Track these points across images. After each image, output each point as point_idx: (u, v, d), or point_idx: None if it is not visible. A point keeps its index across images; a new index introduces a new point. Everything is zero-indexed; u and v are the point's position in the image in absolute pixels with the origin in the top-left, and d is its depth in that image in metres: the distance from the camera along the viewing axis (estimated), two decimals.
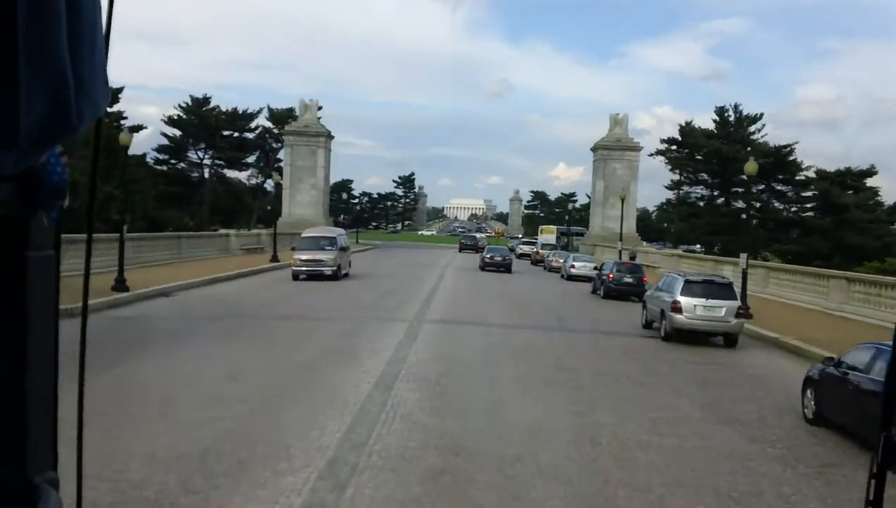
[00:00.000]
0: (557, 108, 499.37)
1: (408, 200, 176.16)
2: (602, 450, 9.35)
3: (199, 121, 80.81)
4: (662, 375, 14.94)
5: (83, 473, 1.14)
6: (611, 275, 31.97)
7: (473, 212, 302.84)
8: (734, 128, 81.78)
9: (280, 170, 72.92)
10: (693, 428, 10.75)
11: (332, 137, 76.02)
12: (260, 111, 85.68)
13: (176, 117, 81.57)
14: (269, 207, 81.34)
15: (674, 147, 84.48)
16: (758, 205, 79.31)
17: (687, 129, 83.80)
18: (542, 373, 14.29)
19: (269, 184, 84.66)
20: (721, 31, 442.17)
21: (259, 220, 79.87)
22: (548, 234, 74.20)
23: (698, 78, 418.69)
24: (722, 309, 19.29)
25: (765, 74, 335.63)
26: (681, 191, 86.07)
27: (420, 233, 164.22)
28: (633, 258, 43.90)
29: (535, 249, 64.20)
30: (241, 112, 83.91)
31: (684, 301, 19.33)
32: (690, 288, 19.72)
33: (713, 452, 9.62)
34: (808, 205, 78.84)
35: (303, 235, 36.49)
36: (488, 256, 47.45)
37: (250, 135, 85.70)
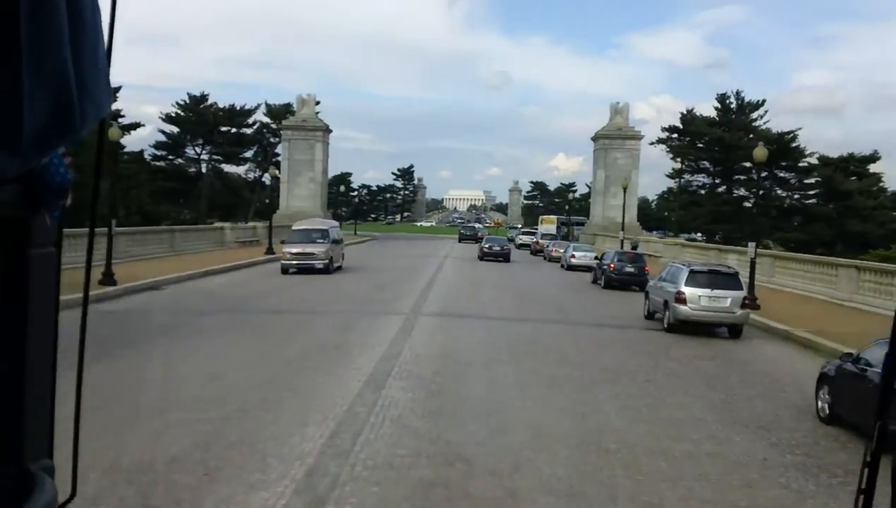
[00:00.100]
0: (556, 100, 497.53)
1: (407, 192, 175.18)
2: (609, 458, 8.56)
3: (197, 118, 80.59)
4: (670, 371, 14.15)
5: (79, 460, 1.14)
6: (612, 265, 31.36)
7: (473, 203, 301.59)
8: (736, 116, 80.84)
9: (277, 165, 72.77)
10: (706, 431, 9.97)
11: (330, 131, 75.77)
12: (258, 107, 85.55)
13: (174, 115, 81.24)
14: (267, 201, 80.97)
15: (675, 135, 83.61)
16: (760, 192, 78.55)
17: (688, 117, 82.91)
18: (544, 370, 13.50)
19: (268, 178, 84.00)
20: (718, 19, 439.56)
21: (257, 214, 79.34)
22: (548, 224, 73.49)
23: (697, 67, 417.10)
24: (727, 299, 18.72)
25: (763, 62, 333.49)
26: (682, 180, 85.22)
27: (419, 224, 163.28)
28: (634, 247, 43.16)
29: (534, 239, 63.39)
30: (238, 108, 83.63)
31: (689, 291, 18.79)
32: (695, 278, 19.16)
33: (729, 459, 8.84)
34: (811, 193, 77.97)
35: (293, 227, 35.30)
36: (487, 246, 47.57)
37: (248, 131, 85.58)
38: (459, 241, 72.40)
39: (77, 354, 1.17)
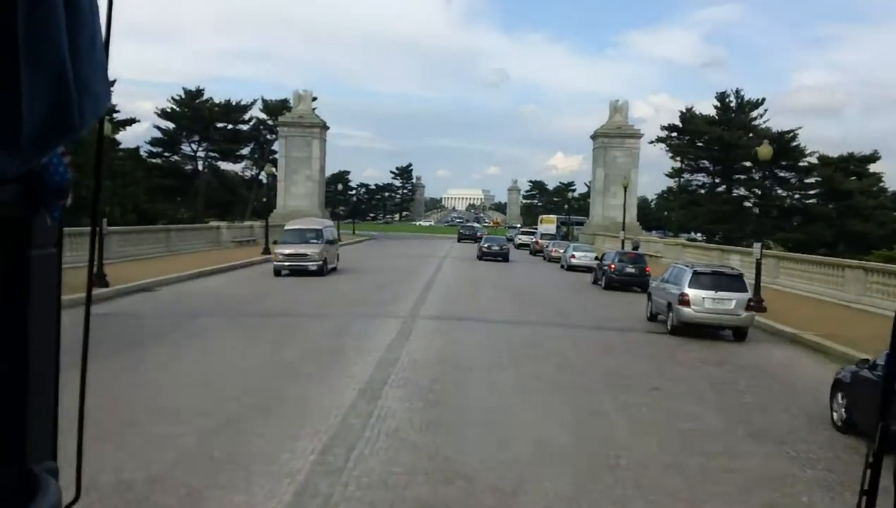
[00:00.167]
0: (554, 98, 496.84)
1: (405, 191, 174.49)
2: (620, 475, 8.01)
3: (193, 114, 79.76)
4: (678, 378, 13.61)
5: (83, 461, 1.15)
6: (612, 266, 30.97)
7: (471, 203, 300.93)
8: (735, 114, 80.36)
9: (274, 162, 72.25)
10: (721, 444, 9.43)
11: (328, 128, 74.93)
12: (254, 103, 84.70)
13: (169, 110, 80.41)
14: (264, 199, 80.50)
15: (674, 134, 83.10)
16: (760, 192, 78.06)
17: (687, 116, 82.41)
18: (547, 376, 12.96)
19: (265, 176, 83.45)
20: (715, 18, 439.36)
21: (254, 212, 78.75)
22: (548, 224, 72.94)
23: (695, 66, 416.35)
24: (732, 301, 18.36)
25: (761, 61, 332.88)
26: (681, 179, 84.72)
27: (417, 223, 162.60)
28: (635, 248, 42.65)
29: (534, 239, 62.92)
30: (234, 104, 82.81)
31: (692, 293, 18.43)
32: (699, 279, 18.82)
33: (748, 475, 8.29)
34: (811, 192, 77.51)
35: (286, 227, 34.17)
36: (486, 246, 47.65)
37: (244, 127, 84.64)
38: (458, 241, 72.25)
39: (80, 355, 1.13)
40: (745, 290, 18.96)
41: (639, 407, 11.02)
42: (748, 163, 77.59)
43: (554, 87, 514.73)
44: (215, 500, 6.84)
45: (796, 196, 78.24)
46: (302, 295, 23.76)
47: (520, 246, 66.01)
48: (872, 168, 76.34)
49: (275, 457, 7.99)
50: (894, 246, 55.52)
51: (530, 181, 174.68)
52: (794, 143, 74.67)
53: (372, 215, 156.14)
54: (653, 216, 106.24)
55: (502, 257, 46.23)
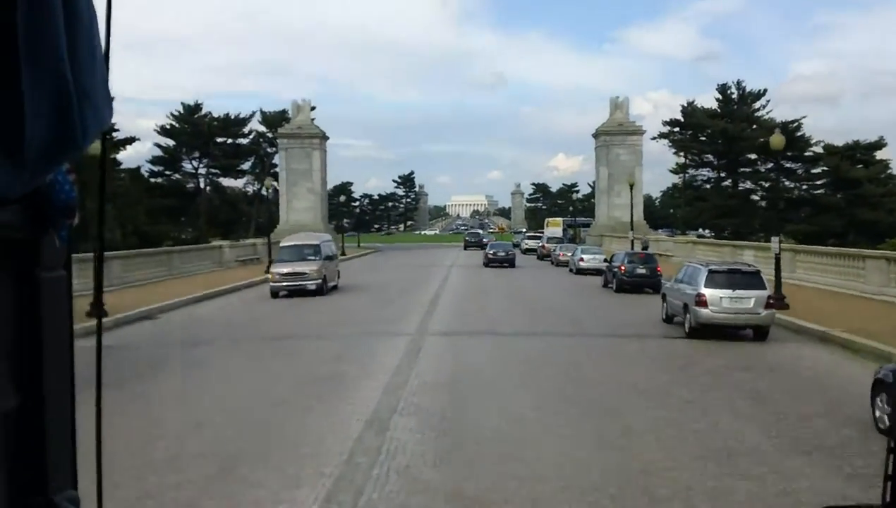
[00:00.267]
0: (552, 98, 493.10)
1: (409, 200, 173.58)
2: None
3: (192, 129, 79.48)
4: (706, 387, 12.71)
5: (103, 489, 1.14)
6: (622, 267, 30.24)
7: (475, 209, 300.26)
8: (738, 106, 79.46)
9: (276, 176, 71.76)
10: (768, 464, 8.53)
11: (327, 138, 74.23)
12: (252, 115, 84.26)
13: (168, 126, 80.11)
14: (269, 215, 79.91)
15: (676, 129, 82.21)
16: (766, 184, 77.10)
17: (689, 110, 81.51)
18: (566, 394, 12.08)
19: (266, 190, 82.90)
20: (712, 10, 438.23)
21: (258, 228, 78.07)
22: (554, 227, 71.97)
23: (692, 59, 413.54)
24: (751, 299, 17.69)
25: (758, 52, 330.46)
26: (686, 175, 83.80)
27: (422, 232, 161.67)
28: (645, 247, 41.74)
29: (540, 243, 62.04)
30: (233, 117, 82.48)
31: (709, 293, 17.78)
32: (714, 278, 18.19)
33: (804, 499, 7.39)
34: (818, 183, 76.46)
35: (281, 244, 32.73)
36: (491, 253, 47.51)
37: (244, 141, 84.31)
38: (465, 248, 72.09)
39: (87, 383, 1.07)
40: (764, 287, 18.26)
41: (671, 424, 10.13)
42: (753, 156, 76.77)
43: (551, 87, 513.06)
44: None
45: (804, 187, 77.20)
46: (304, 317, 22.93)
47: (527, 250, 65.10)
48: (878, 155, 75.30)
49: None
50: None
51: (533, 184, 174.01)
52: (799, 133, 73.63)
53: (377, 226, 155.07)
54: (658, 214, 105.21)
55: (508, 263, 45.94)
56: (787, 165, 75.59)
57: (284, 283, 28.18)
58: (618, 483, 7.91)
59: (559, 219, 79.87)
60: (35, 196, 0.88)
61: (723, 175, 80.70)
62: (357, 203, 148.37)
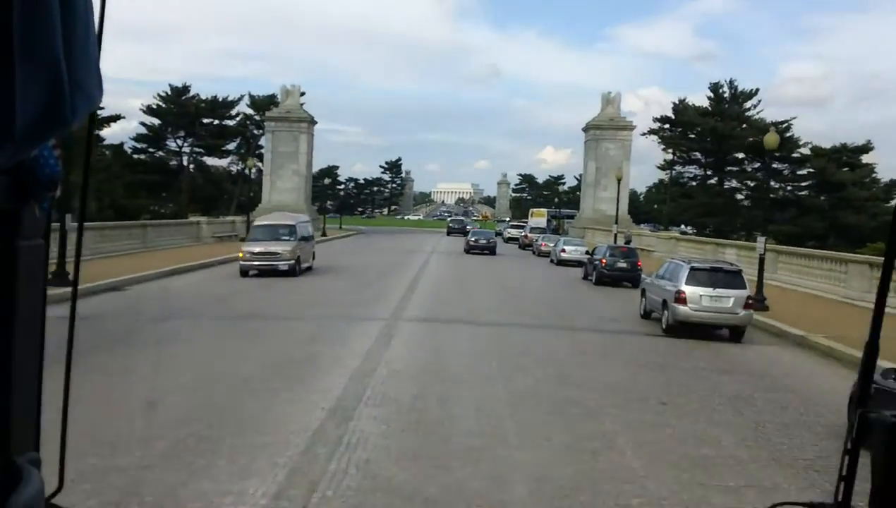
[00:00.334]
0: (544, 92, 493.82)
1: (395, 185, 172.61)
2: None
3: (179, 110, 78.24)
4: (685, 390, 12.30)
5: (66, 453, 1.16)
6: (604, 261, 30.28)
7: (461, 196, 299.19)
8: (729, 105, 79.25)
9: (260, 157, 70.94)
10: (745, 475, 8.12)
11: (315, 123, 74.14)
12: (241, 98, 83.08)
13: (155, 106, 78.71)
14: (251, 194, 79.17)
15: (666, 126, 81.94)
16: (752, 184, 77.12)
17: (680, 107, 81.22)
18: (542, 391, 11.62)
19: (252, 171, 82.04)
20: (706, 11, 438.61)
21: (239, 207, 77.30)
22: (538, 218, 71.72)
23: (685, 59, 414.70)
24: (730, 299, 17.53)
25: (751, 53, 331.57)
26: (673, 172, 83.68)
27: (405, 217, 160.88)
28: (628, 242, 41.48)
29: (523, 233, 62.05)
30: (221, 100, 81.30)
31: (689, 290, 17.63)
32: (696, 276, 18.01)
33: None
34: (804, 184, 76.58)
35: (255, 223, 31.82)
36: (473, 240, 47.94)
37: (231, 123, 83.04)
38: (448, 234, 72.61)
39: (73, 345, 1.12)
40: (745, 287, 18.04)
41: (647, 429, 9.70)
42: (741, 155, 76.77)
43: (544, 82, 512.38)
44: None
45: (788, 187, 77.30)
46: (277, 296, 22.34)
47: (509, 239, 65.00)
48: (865, 158, 75.43)
49: (215, 503, 6.63)
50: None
51: (520, 175, 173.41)
52: (788, 134, 73.58)
53: (360, 209, 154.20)
54: (642, 209, 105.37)
55: (489, 250, 46.34)
56: (774, 165, 75.63)
57: (256, 263, 27.27)
58: (590, 490, 7.46)
59: (543, 210, 79.64)
60: (19, 169, 0.89)
61: (709, 173, 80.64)
62: (342, 186, 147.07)
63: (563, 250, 40.48)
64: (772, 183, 76.24)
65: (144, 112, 78.52)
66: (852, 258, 27.07)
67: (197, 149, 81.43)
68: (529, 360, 14.10)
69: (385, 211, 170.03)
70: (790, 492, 7.69)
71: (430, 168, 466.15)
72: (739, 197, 79.03)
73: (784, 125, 73.53)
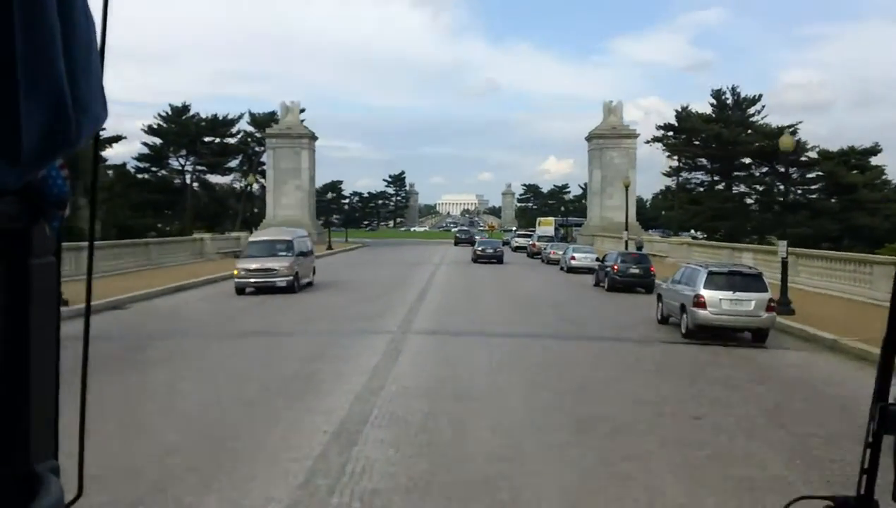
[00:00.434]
0: (543, 104, 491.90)
1: (399, 198, 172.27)
2: None
3: (180, 129, 78.12)
4: (718, 402, 11.39)
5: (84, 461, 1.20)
6: (615, 267, 29.85)
7: (466, 208, 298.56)
8: (732, 111, 78.58)
9: (263, 173, 70.83)
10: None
11: (316, 138, 74.46)
12: (241, 116, 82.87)
13: (156, 126, 78.53)
14: (255, 210, 78.87)
15: (670, 133, 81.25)
16: (761, 188, 76.28)
17: (683, 114, 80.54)
18: (563, 407, 10.74)
19: (256, 188, 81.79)
20: (701, 22, 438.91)
21: (244, 223, 77.15)
22: (546, 226, 71.35)
23: (682, 68, 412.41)
24: (751, 302, 17.17)
25: (748, 62, 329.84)
26: (679, 178, 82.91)
27: (412, 229, 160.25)
28: (640, 248, 40.81)
29: (531, 242, 61.56)
30: (221, 118, 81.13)
31: (708, 294, 17.28)
32: (714, 280, 17.70)
33: None
34: (813, 187, 75.63)
35: (250, 239, 30.78)
36: (480, 249, 48.54)
37: (232, 140, 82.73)
38: (455, 244, 73.42)
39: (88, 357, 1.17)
40: (766, 290, 17.57)
41: (685, 448, 8.80)
42: (747, 160, 76.04)
43: (543, 94, 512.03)
44: None
45: (799, 191, 76.32)
46: (279, 312, 21.53)
47: (517, 248, 64.47)
48: (873, 161, 74.45)
49: None
50: None
51: (524, 185, 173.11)
52: (795, 138, 72.65)
53: (366, 223, 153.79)
54: (648, 215, 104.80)
55: (497, 259, 46.91)
56: (783, 170, 74.64)
57: (252, 280, 25.99)
58: None
59: (551, 219, 79.39)
60: (28, 188, 0.89)
61: (716, 178, 79.85)
62: (346, 200, 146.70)
63: (573, 257, 40.32)
64: (781, 186, 75.33)
65: (146, 132, 78.58)
66: (877, 259, 26.14)
67: (199, 167, 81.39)
68: (547, 373, 13.24)
69: (391, 223, 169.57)
70: None
71: (434, 180, 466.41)
72: (749, 201, 78.23)
73: (791, 129, 72.67)
